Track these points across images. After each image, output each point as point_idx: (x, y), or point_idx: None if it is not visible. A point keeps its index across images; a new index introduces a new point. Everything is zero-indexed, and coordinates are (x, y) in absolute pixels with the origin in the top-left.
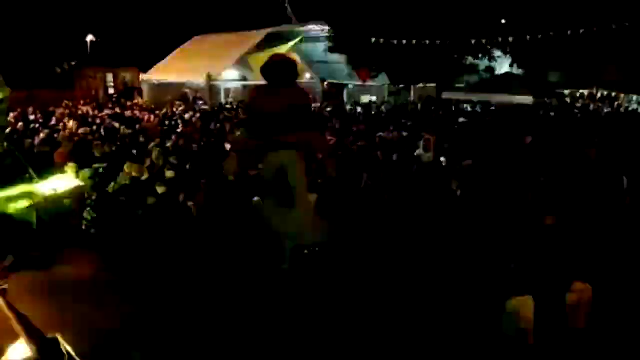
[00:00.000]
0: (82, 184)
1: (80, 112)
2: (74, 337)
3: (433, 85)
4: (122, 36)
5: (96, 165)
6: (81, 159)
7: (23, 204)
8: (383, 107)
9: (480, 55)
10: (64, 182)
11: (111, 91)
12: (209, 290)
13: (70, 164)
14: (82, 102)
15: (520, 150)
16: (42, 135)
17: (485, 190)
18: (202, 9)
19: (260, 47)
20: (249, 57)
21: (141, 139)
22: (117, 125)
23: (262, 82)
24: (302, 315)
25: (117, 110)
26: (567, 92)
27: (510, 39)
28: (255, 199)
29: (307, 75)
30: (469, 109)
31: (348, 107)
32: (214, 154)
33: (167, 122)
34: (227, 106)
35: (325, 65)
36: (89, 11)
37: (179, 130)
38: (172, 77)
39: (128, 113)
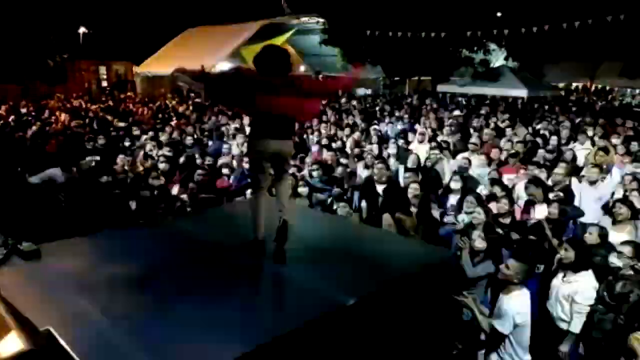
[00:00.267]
0: None
1: (72, 105)
2: (65, 330)
3: (428, 78)
4: (114, 28)
5: (89, 158)
6: (73, 152)
7: None
8: (378, 100)
9: (475, 48)
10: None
11: (104, 84)
12: (204, 283)
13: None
14: (74, 94)
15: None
16: (34, 128)
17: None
18: (196, 1)
19: (254, 39)
20: (243, 50)
21: (134, 132)
22: (109, 118)
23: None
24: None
25: (110, 103)
26: (561, 85)
27: (506, 32)
28: (249, 191)
29: (301, 68)
30: (464, 102)
31: (342, 100)
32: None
33: (160, 115)
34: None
35: (320, 58)
36: (81, 3)
37: (172, 123)
38: (165, 70)
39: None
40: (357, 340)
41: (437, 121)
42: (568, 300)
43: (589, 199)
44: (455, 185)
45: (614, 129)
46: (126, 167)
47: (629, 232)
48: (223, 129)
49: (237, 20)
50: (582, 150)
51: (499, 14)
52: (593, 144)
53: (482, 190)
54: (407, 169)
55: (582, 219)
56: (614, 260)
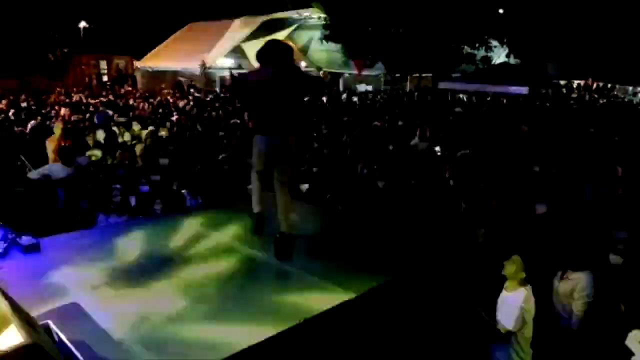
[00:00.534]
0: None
1: (73, 99)
2: (64, 324)
3: (429, 74)
4: (115, 23)
5: (89, 153)
6: (74, 146)
7: None
8: (379, 97)
9: (477, 45)
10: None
11: (104, 78)
12: (203, 277)
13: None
14: (74, 89)
15: (515, 140)
16: (34, 122)
17: (480, 180)
18: None
19: (256, 34)
20: (244, 45)
21: (135, 127)
22: (110, 112)
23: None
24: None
25: (111, 97)
26: (562, 82)
27: (507, 29)
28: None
29: (303, 64)
30: (465, 99)
31: (344, 96)
32: (208, 142)
33: (160, 110)
34: (221, 95)
35: (321, 54)
36: None
37: (173, 118)
38: (166, 65)
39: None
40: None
41: (438, 118)
42: (567, 298)
43: None
44: None
45: None
46: (126, 162)
47: None
48: None
49: (238, 15)
50: None
51: (500, 11)
52: None
53: None
54: (408, 165)
55: None
56: (613, 258)
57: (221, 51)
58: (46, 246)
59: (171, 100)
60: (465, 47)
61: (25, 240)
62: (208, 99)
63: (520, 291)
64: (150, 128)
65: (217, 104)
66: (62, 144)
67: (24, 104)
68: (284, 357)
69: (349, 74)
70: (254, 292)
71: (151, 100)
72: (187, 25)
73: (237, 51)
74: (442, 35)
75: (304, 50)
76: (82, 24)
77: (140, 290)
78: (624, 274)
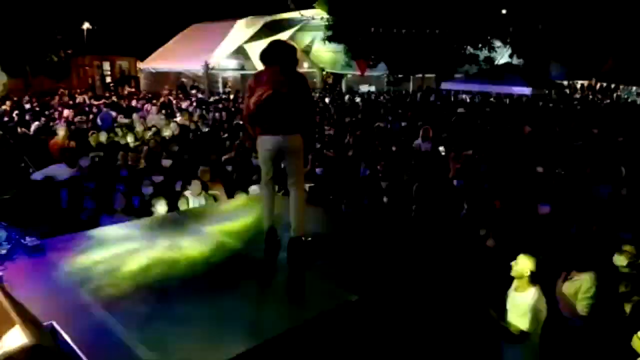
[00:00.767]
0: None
1: (76, 100)
2: (69, 325)
3: (432, 75)
4: (118, 24)
5: (92, 154)
6: (77, 147)
7: None
8: (382, 97)
9: (479, 46)
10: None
11: (108, 79)
12: (207, 278)
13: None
14: (78, 90)
15: (518, 141)
16: (37, 123)
17: (483, 180)
18: None
19: (258, 35)
20: (247, 46)
21: (138, 128)
22: (113, 113)
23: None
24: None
25: (114, 98)
26: (566, 83)
27: (510, 29)
28: (252, 187)
29: (305, 64)
30: (468, 99)
31: (346, 97)
32: (211, 143)
33: (164, 111)
34: (224, 95)
35: (324, 54)
36: None
37: (176, 120)
38: (169, 66)
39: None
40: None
41: (441, 119)
42: (572, 299)
43: None
44: None
45: None
46: (130, 163)
47: None
48: None
49: (241, 16)
50: None
51: (503, 12)
52: None
53: None
54: (411, 166)
55: None
56: (617, 259)
57: (224, 52)
58: (50, 247)
59: (174, 102)
60: (468, 47)
61: (30, 241)
62: (211, 100)
63: (530, 291)
64: (154, 129)
65: (219, 105)
66: (66, 146)
67: (27, 105)
68: (287, 357)
69: (352, 74)
70: (259, 294)
71: (154, 101)
72: (190, 27)
73: (240, 52)
74: (445, 35)
75: (307, 51)
76: (86, 26)
77: (144, 291)
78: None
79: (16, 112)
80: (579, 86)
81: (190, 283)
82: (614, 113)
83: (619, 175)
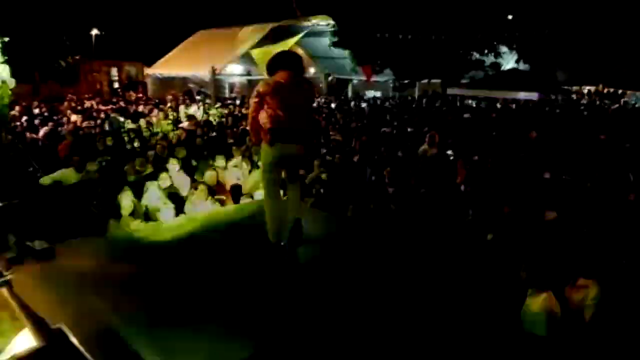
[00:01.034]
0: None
1: (84, 105)
2: (77, 328)
3: (438, 81)
4: (126, 30)
5: (100, 159)
6: (85, 152)
7: None
8: (387, 103)
9: (485, 51)
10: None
11: (116, 85)
12: (211, 280)
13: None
14: (86, 95)
15: (525, 146)
16: (46, 128)
17: (490, 185)
18: (207, 3)
19: (265, 41)
20: (253, 51)
21: (145, 133)
22: (121, 119)
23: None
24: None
25: (122, 104)
26: (573, 88)
27: (517, 35)
28: (258, 192)
29: (312, 70)
30: (474, 105)
31: (352, 102)
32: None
33: (171, 116)
34: (229, 101)
35: (330, 60)
36: (94, 5)
37: (183, 125)
38: (176, 71)
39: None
40: None
41: (447, 124)
42: (578, 305)
43: None
44: None
45: None
46: (137, 168)
47: None
48: None
49: (248, 22)
50: None
51: (509, 17)
52: None
53: None
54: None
55: None
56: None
57: (230, 58)
58: (59, 251)
59: (181, 107)
60: (474, 53)
61: (39, 245)
62: (217, 105)
63: (542, 296)
64: (161, 133)
65: (226, 111)
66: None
67: (36, 110)
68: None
69: (358, 80)
70: (266, 299)
71: (161, 106)
72: (196, 33)
73: (246, 58)
74: (451, 41)
75: (313, 57)
76: (94, 32)
77: (153, 295)
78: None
79: (25, 117)
80: (585, 91)
81: (198, 288)
82: (621, 119)
83: (627, 181)
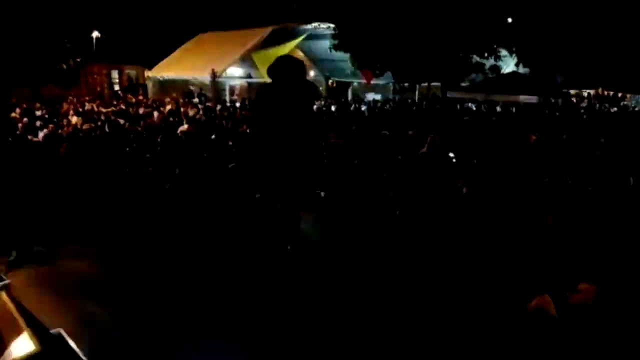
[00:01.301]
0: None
1: (85, 108)
2: (76, 332)
3: (438, 84)
4: (127, 33)
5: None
6: (85, 154)
7: None
8: (387, 106)
9: (485, 54)
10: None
11: (116, 87)
12: (213, 284)
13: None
14: (87, 98)
15: (525, 150)
16: (46, 130)
17: (490, 189)
18: (207, 6)
19: (265, 44)
20: (254, 54)
21: (145, 135)
22: (121, 121)
23: (268, 80)
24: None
25: (122, 106)
26: (573, 92)
27: (516, 38)
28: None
29: (312, 73)
30: (474, 108)
31: (352, 105)
32: (217, 150)
33: (171, 119)
34: (228, 104)
35: (330, 63)
36: (94, 7)
37: (183, 128)
38: (176, 74)
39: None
40: None
41: (448, 127)
42: (579, 310)
43: None
44: None
45: None
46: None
47: None
48: None
49: (248, 25)
50: None
51: (509, 20)
52: None
53: None
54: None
55: None
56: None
57: (231, 61)
58: (59, 255)
59: (182, 110)
60: (474, 56)
61: (39, 249)
62: (218, 108)
63: (540, 300)
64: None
65: (225, 113)
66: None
67: (38, 112)
68: None
69: (358, 83)
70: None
71: (162, 109)
72: (197, 35)
73: (246, 60)
74: (451, 44)
75: (313, 60)
76: (95, 34)
77: (152, 301)
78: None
79: (25, 119)
80: (585, 95)
81: (197, 291)
82: (621, 122)
83: (628, 185)
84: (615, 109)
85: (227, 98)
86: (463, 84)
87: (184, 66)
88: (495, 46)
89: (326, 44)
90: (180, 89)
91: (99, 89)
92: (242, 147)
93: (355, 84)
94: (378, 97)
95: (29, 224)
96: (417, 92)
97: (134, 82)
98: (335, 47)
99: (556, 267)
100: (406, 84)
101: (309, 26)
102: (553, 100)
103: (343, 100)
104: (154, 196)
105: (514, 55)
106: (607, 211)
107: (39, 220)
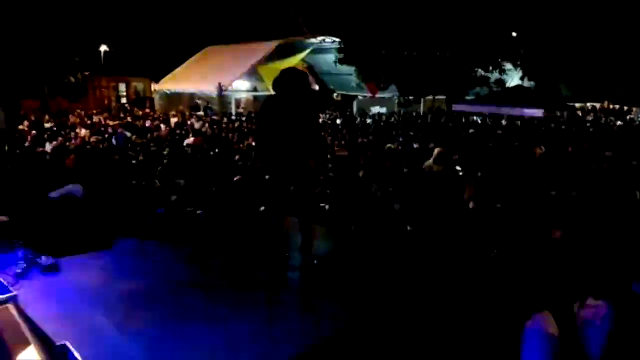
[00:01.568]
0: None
1: (93, 120)
2: (83, 345)
3: (443, 97)
4: (135, 46)
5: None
6: (93, 167)
7: None
8: (393, 119)
9: (490, 68)
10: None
11: (123, 100)
12: (220, 300)
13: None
14: (94, 111)
15: (531, 163)
16: (55, 143)
17: (495, 202)
18: (214, 20)
19: (271, 58)
20: (260, 68)
21: (153, 148)
22: (129, 134)
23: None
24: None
25: (129, 119)
26: (578, 105)
27: (521, 52)
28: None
29: (317, 87)
30: (479, 121)
31: (358, 119)
32: (223, 163)
33: (178, 132)
34: (233, 117)
35: (335, 77)
36: (103, 22)
37: (189, 141)
38: (183, 87)
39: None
40: None
41: (453, 140)
42: (588, 326)
43: None
44: None
45: None
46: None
47: None
48: None
49: (254, 39)
50: None
51: (514, 34)
52: None
53: None
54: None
55: None
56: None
57: (238, 74)
58: (65, 267)
59: (188, 122)
60: (479, 70)
61: (45, 260)
62: (224, 121)
63: (536, 318)
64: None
65: (231, 126)
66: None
67: (47, 125)
68: None
69: (363, 96)
70: (269, 316)
71: (169, 121)
72: (204, 49)
73: (253, 74)
74: (456, 58)
75: (319, 74)
76: (103, 48)
77: (157, 312)
78: None
79: (34, 132)
80: (591, 108)
81: (203, 305)
82: (627, 135)
83: (634, 199)
84: (620, 122)
85: (234, 111)
86: (468, 98)
87: (190, 79)
88: (500, 60)
89: (331, 58)
90: (187, 102)
91: (106, 102)
92: (248, 159)
93: (360, 97)
94: (383, 110)
95: (37, 236)
96: (422, 106)
97: (141, 95)
98: (341, 61)
99: (564, 281)
100: (411, 97)
101: (314, 40)
102: (559, 114)
103: (348, 113)
104: (160, 208)
105: (519, 69)
106: (613, 225)
107: (47, 232)
